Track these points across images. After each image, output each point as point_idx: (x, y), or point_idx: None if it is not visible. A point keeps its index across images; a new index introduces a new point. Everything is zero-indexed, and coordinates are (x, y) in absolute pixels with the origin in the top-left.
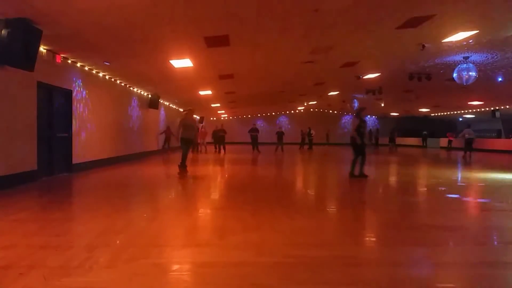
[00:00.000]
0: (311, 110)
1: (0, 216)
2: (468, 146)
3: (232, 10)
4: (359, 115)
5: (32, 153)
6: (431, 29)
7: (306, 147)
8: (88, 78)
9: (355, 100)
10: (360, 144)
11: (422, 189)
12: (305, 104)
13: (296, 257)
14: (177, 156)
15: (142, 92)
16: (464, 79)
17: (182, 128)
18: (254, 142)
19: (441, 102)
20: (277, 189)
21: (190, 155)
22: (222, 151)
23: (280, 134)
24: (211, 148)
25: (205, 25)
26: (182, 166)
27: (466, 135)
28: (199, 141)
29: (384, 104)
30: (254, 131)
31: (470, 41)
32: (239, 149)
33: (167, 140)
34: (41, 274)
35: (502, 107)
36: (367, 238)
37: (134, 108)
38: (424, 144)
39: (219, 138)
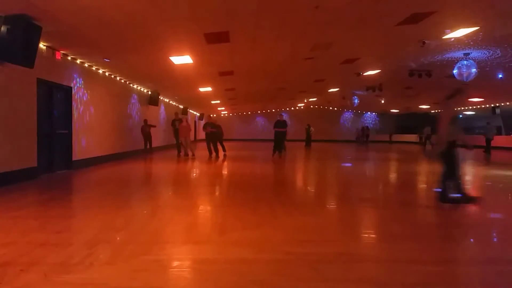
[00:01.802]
0: (311, 107)
1: (0, 213)
2: (428, 141)
3: (232, 7)
4: None
5: (32, 150)
6: (432, 26)
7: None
8: (88, 75)
9: (355, 97)
10: None
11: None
12: (305, 100)
13: (297, 254)
14: (161, 157)
15: (142, 89)
16: (465, 75)
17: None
18: (279, 142)
19: (441, 98)
20: (278, 187)
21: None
22: (217, 153)
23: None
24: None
25: (205, 21)
26: None
27: (426, 133)
28: (180, 140)
29: (384, 101)
30: (281, 125)
31: (480, 34)
32: (240, 146)
33: (146, 138)
34: (41, 271)
35: (502, 104)
36: (366, 235)
37: (134, 105)
38: (391, 140)
39: (210, 135)
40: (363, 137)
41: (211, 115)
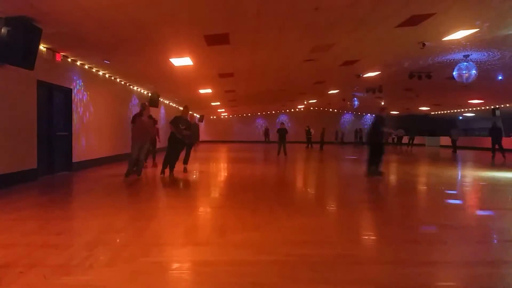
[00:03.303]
0: (311, 108)
1: (0, 214)
2: (399, 141)
3: (232, 8)
4: None
5: (32, 152)
6: (431, 28)
7: (314, 146)
8: (88, 77)
9: (355, 98)
10: None
11: None
12: (305, 102)
13: (297, 256)
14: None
15: (142, 91)
16: (464, 77)
17: None
18: (379, 149)
19: (441, 100)
20: (278, 188)
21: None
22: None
23: (282, 132)
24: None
25: (206, 23)
26: None
27: (398, 134)
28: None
29: (384, 103)
30: (381, 122)
31: (479, 36)
32: (241, 147)
33: (151, 143)
34: (41, 273)
35: (502, 106)
36: (367, 236)
37: (134, 107)
38: (339, 141)
39: (180, 139)
40: (357, 139)
41: (184, 107)
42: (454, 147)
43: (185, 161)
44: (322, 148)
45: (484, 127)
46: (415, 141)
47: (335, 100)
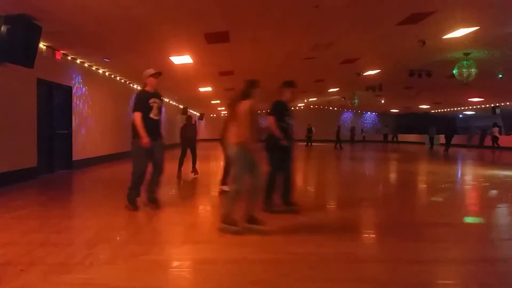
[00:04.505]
0: (311, 106)
1: (0, 213)
2: (385, 139)
3: (232, 6)
4: None
5: (32, 150)
6: (432, 26)
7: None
8: (88, 75)
9: (355, 96)
10: None
11: None
12: (305, 100)
13: (297, 254)
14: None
15: None
16: (465, 75)
17: None
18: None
19: (441, 98)
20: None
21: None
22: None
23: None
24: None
25: (205, 21)
26: None
27: (384, 132)
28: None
29: (384, 101)
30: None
31: (480, 34)
32: None
33: (188, 145)
34: (41, 271)
35: (502, 104)
36: (366, 235)
37: None
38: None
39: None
40: (351, 138)
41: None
42: (431, 144)
43: (194, 163)
44: (341, 147)
45: (482, 125)
46: (418, 140)
47: (335, 98)
